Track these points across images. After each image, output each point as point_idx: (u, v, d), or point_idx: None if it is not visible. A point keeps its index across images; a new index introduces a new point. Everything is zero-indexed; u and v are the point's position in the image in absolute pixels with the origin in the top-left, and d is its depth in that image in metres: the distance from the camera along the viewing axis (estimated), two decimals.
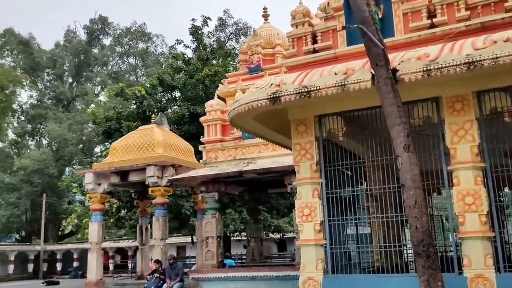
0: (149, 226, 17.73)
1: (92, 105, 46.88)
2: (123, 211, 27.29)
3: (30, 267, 40.36)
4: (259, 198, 16.14)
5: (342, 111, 8.17)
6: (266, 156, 13.52)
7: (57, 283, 18.27)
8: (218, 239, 13.79)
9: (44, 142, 49.27)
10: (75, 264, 39.99)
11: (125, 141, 16.31)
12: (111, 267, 36.85)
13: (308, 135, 8.36)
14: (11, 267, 38.50)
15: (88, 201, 17.88)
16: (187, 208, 21.17)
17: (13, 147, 48.53)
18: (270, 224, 23.48)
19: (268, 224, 23.43)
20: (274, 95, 7.68)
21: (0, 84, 22.56)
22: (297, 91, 7.52)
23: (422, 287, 5.89)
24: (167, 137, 16.37)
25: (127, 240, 39.69)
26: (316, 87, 7.37)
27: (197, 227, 13.97)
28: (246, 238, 16.86)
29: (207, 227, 13.81)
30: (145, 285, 12.76)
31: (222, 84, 14.89)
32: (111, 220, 26.75)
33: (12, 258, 38.79)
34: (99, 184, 15.80)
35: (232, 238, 25.71)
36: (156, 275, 12.79)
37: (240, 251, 26.86)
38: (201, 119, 15.02)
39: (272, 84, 7.87)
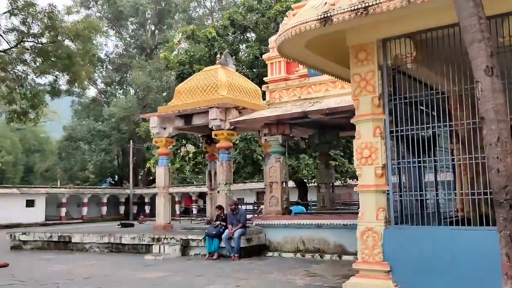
0: (218, 171, 17.31)
1: (174, 52, 47.24)
2: (199, 157, 27.45)
3: (121, 209, 42.91)
4: (329, 142, 14.96)
5: (411, 32, 6.73)
6: (334, 95, 12.25)
7: (132, 225, 18.71)
8: (283, 185, 12.97)
9: (131, 91, 50.90)
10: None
11: (189, 84, 15.72)
12: (194, 210, 38.00)
13: (369, 63, 7.04)
14: (104, 209, 41.19)
15: (154, 145, 17.71)
16: (259, 153, 20.52)
17: (102, 95, 50.69)
18: (348, 169, 22.24)
19: (345, 170, 22.22)
20: (325, 15, 6.43)
21: (77, 31, 22.64)
22: (352, 8, 6.20)
23: (502, 244, 4.60)
24: (231, 78, 15.52)
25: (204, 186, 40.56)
26: (376, 1, 5.99)
27: (264, 172, 13.22)
28: (315, 183, 15.93)
29: (271, 172, 13.01)
30: (206, 231, 12.38)
31: (287, 17, 13.53)
32: (188, 166, 26.98)
33: (105, 200, 41.41)
34: (164, 128, 15.50)
35: (310, 185, 24.90)
36: (217, 223, 12.33)
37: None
38: (264, 56, 13.93)
39: (325, 2, 6.58)
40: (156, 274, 9.85)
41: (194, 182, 41.93)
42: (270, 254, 12.38)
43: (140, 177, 47.64)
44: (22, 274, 10.41)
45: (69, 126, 48.97)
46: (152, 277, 9.47)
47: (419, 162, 6.84)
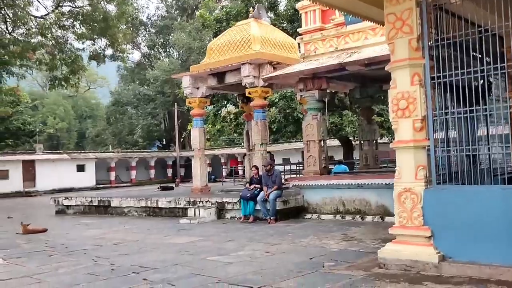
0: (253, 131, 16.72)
1: (216, 11, 46.31)
2: (240, 117, 26.93)
3: (169, 172, 43.54)
4: (372, 96, 13.94)
5: None
6: (374, 44, 11.17)
7: (171, 188, 18.59)
8: (321, 143, 12.20)
9: (173, 53, 50.70)
10: (208, 169, 42.00)
11: (221, 40, 14.99)
12: (240, 172, 37.90)
13: (405, 0, 6.04)
14: (152, 172, 41.93)
15: (188, 106, 17.19)
16: (299, 110, 19.68)
17: (146, 59, 50.81)
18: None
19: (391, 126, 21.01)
20: None
21: None
22: None
23: None
24: (265, 32, 14.64)
25: None
26: None
27: (303, 130, 12.47)
28: (358, 141, 15.03)
29: (308, 130, 12.25)
30: (241, 193, 11.90)
31: None
32: (230, 127, 26.55)
33: (152, 164, 42.10)
34: (197, 88, 14.95)
35: (356, 142, 23.87)
36: (252, 185, 11.80)
37: None
38: (297, 5, 12.94)
39: None
40: (186, 239, 9.49)
41: (242, 144, 41.72)
42: (308, 216, 11.79)
43: (186, 139, 47.93)
44: (56, 239, 10.37)
45: (115, 91, 49.69)
46: (182, 242, 9.12)
47: (468, 112, 5.88)
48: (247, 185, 12.43)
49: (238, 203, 12.01)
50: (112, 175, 38.95)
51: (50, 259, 7.95)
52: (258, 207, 11.61)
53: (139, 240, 9.69)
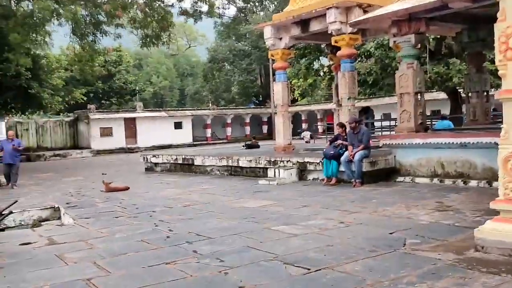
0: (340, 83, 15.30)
1: None
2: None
3: (264, 128, 43.22)
4: (483, 39, 11.81)
5: None
6: None
7: (257, 146, 17.88)
8: (417, 96, 10.60)
9: (269, 6, 49.33)
10: (303, 125, 41.00)
11: None
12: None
13: None
14: (247, 129, 41.87)
15: (270, 59, 16.04)
16: (398, 61, 17.73)
17: (241, 14, 50.06)
18: None
19: None
20: None
21: None
22: None
23: None
24: None
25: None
26: None
27: (396, 82, 10.93)
28: (465, 92, 12.98)
29: (402, 80, 10.68)
30: (324, 151, 10.80)
31: None
32: (324, 80, 25.15)
33: (247, 120, 42.00)
34: (280, 39, 13.81)
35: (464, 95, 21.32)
36: (337, 142, 10.63)
37: None
38: None
39: None
40: (258, 203, 8.72)
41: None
42: (400, 179, 10.43)
43: None
44: (131, 199, 10.18)
45: (211, 48, 49.90)
46: (252, 207, 8.37)
47: None
48: (329, 144, 11.26)
49: (320, 163, 10.96)
50: (208, 132, 39.53)
51: (114, 222, 7.62)
52: (342, 168, 10.48)
53: (209, 203, 9.12)
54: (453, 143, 9.58)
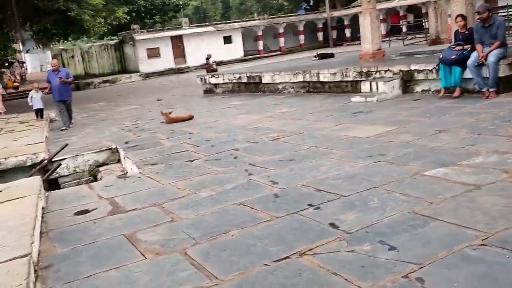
0: None
1: None
2: None
3: (320, 36, 39.85)
4: None
5: None
6: None
7: (331, 55, 15.34)
8: None
9: None
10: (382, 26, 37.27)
11: None
12: (404, 28, 32.65)
13: None
14: (301, 38, 38.67)
15: None
16: None
17: None
18: None
19: None
20: None
21: None
22: None
23: None
24: None
25: None
26: None
27: None
28: None
29: None
30: (441, 56, 8.31)
31: None
32: None
33: (301, 28, 38.65)
34: None
35: None
36: (456, 47, 8.06)
37: None
38: None
39: None
40: (371, 130, 6.59)
41: None
42: None
43: None
44: (202, 132, 8.32)
45: None
46: (365, 136, 6.25)
47: None
48: (450, 45, 8.69)
49: (435, 70, 8.53)
50: (260, 45, 36.72)
51: (191, 169, 5.73)
52: (466, 75, 8.03)
53: (303, 133, 7.07)
54: None
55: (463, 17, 8.29)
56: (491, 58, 7.58)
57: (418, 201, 3.68)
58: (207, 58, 24.75)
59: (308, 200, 4.05)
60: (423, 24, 32.37)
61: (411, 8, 34.94)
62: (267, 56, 33.86)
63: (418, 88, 9.03)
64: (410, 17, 35.19)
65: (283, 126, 7.83)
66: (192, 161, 6.19)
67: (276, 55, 34.68)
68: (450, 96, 8.17)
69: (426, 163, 4.70)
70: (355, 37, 37.70)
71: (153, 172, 5.81)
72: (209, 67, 23.59)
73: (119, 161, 7.84)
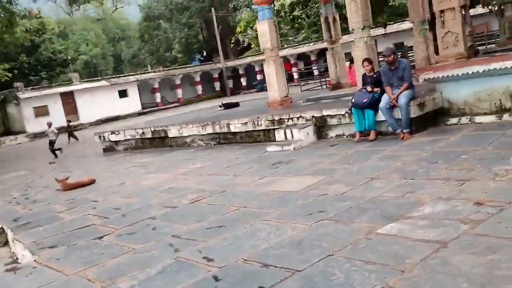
0: (336, 16, 12.67)
1: None
2: (297, 9, 22.53)
3: (217, 85, 40.08)
4: None
5: None
6: None
7: (236, 104, 15.07)
8: (462, 11, 8.15)
9: None
10: (258, 77, 38.26)
11: None
12: (295, 75, 33.88)
13: None
14: (199, 88, 38.54)
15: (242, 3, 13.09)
16: None
17: None
18: None
19: None
20: None
21: None
22: None
23: None
24: None
25: (307, 44, 35.76)
26: None
27: None
28: (496, 4, 10.64)
29: None
30: (353, 100, 8.26)
31: None
32: (284, 22, 22.31)
33: (198, 79, 38.57)
34: None
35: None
36: (368, 88, 8.04)
37: None
38: None
39: None
40: (297, 182, 6.12)
41: (294, 39, 36.85)
42: (453, 121, 8.08)
43: (229, 47, 43.68)
44: (108, 199, 7.30)
45: (144, 5, 45.28)
46: (294, 190, 5.76)
47: None
48: (358, 90, 8.67)
49: (347, 114, 8.43)
50: (158, 97, 35.87)
51: (101, 250, 4.78)
52: (378, 117, 8.00)
53: (226, 191, 6.43)
54: None
55: (370, 61, 8.35)
56: (402, 100, 7.62)
57: (387, 270, 3.17)
58: (49, 126, 16.60)
59: (256, 281, 3.37)
60: (313, 70, 33.98)
61: (300, 56, 36.50)
62: (166, 108, 33.10)
63: (332, 133, 8.88)
64: (301, 65, 36.72)
65: (201, 184, 7.13)
66: (101, 237, 5.23)
67: (175, 106, 34.05)
68: (366, 139, 8.07)
69: (373, 218, 4.27)
70: (251, 85, 38.47)
71: (53, 259, 4.76)
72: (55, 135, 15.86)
73: (6, 244, 6.54)
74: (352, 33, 9.78)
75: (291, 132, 8.90)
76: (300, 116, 9.13)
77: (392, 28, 26.11)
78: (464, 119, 7.97)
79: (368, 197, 4.96)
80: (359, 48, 9.48)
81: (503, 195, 4.31)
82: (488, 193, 4.43)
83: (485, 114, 7.82)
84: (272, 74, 11.06)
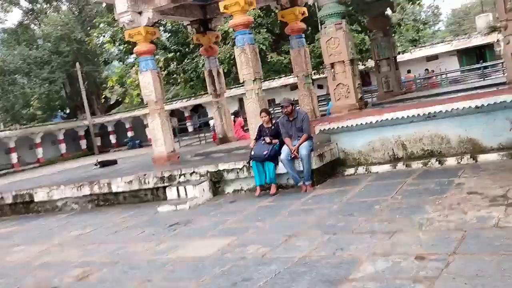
0: (220, 70, 12.45)
1: None
2: (172, 64, 22.17)
3: (83, 143, 37.48)
4: None
5: None
6: None
7: (114, 162, 13.82)
8: (352, 64, 8.35)
9: (62, 6, 43.08)
10: (129, 134, 36.69)
11: None
12: (190, 129, 33.02)
13: None
14: (62, 147, 35.56)
15: (126, 45, 12.26)
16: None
17: (29, 16, 42.67)
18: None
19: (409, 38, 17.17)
20: None
21: None
22: None
23: None
24: None
25: (180, 100, 35.45)
26: None
27: (323, 49, 8.35)
28: (373, 61, 11.25)
29: (331, 46, 8.29)
30: (252, 153, 7.83)
31: None
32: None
33: (61, 137, 35.65)
34: (140, 13, 10.14)
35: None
36: (266, 139, 7.70)
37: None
38: None
39: None
40: (205, 246, 5.38)
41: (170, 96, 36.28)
42: (350, 171, 8.04)
43: (96, 104, 41.52)
44: None
45: None
46: (204, 255, 5.01)
47: None
48: (253, 142, 8.27)
49: (245, 168, 7.95)
50: (14, 157, 32.14)
51: None
52: (278, 170, 7.65)
53: (119, 262, 5.40)
54: (418, 115, 7.53)
55: (267, 112, 8.07)
56: (304, 151, 7.38)
57: None
58: None
59: None
60: (187, 127, 33.62)
61: (173, 113, 35.99)
62: (23, 170, 29.75)
63: (229, 189, 8.30)
64: (174, 121, 36.13)
65: (85, 257, 5.96)
66: None
67: (34, 167, 30.81)
68: (267, 194, 7.62)
69: (313, 285, 3.70)
70: (122, 143, 36.67)
71: None
72: None
73: None
74: (234, 87, 9.54)
75: (185, 189, 8.12)
76: (194, 172, 8.42)
77: (264, 85, 27.07)
78: (361, 169, 7.98)
79: (295, 258, 4.40)
80: (251, 99, 9.20)
81: (439, 246, 4.07)
82: (423, 246, 4.16)
83: (379, 163, 7.91)
84: (158, 128, 10.24)
